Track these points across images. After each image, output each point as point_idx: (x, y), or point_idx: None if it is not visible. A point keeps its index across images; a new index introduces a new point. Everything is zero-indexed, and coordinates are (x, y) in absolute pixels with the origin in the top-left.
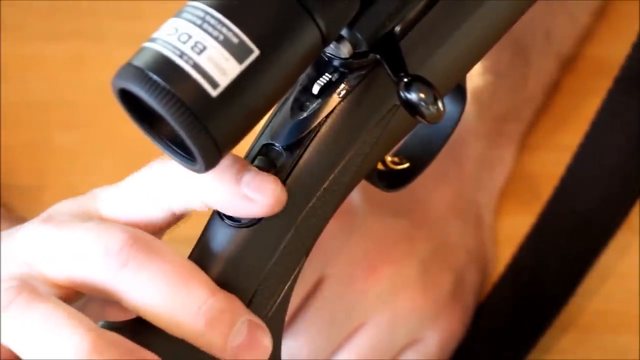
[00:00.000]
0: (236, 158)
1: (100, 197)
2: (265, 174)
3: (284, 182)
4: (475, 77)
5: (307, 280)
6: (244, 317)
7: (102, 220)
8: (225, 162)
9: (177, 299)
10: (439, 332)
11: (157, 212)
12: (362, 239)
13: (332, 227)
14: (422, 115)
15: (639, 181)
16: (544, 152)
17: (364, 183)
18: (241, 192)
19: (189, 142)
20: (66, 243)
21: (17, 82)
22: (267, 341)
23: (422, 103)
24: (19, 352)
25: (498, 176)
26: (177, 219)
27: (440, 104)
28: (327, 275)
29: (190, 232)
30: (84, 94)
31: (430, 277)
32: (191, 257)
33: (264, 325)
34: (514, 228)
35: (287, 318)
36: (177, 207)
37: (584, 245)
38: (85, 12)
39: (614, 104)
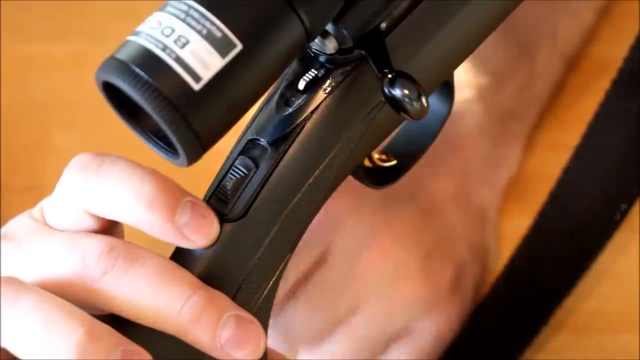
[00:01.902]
0: (175, 191)
1: (45, 209)
2: (203, 214)
3: (268, 177)
4: (481, 76)
5: (311, 251)
6: (231, 312)
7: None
8: (162, 197)
9: (159, 298)
10: (435, 323)
11: (92, 224)
12: (371, 217)
13: (341, 204)
14: (406, 111)
15: (635, 183)
16: (546, 151)
17: None
18: (177, 231)
19: (171, 136)
20: (37, 257)
21: (17, 82)
22: (260, 336)
23: (406, 99)
24: (7, 344)
25: (503, 174)
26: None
27: (424, 100)
28: (332, 248)
29: None
30: (84, 94)
31: (432, 268)
32: (174, 253)
33: (256, 321)
34: (514, 228)
35: (288, 288)
36: (109, 217)
37: (579, 247)
38: (85, 12)
39: (612, 106)
